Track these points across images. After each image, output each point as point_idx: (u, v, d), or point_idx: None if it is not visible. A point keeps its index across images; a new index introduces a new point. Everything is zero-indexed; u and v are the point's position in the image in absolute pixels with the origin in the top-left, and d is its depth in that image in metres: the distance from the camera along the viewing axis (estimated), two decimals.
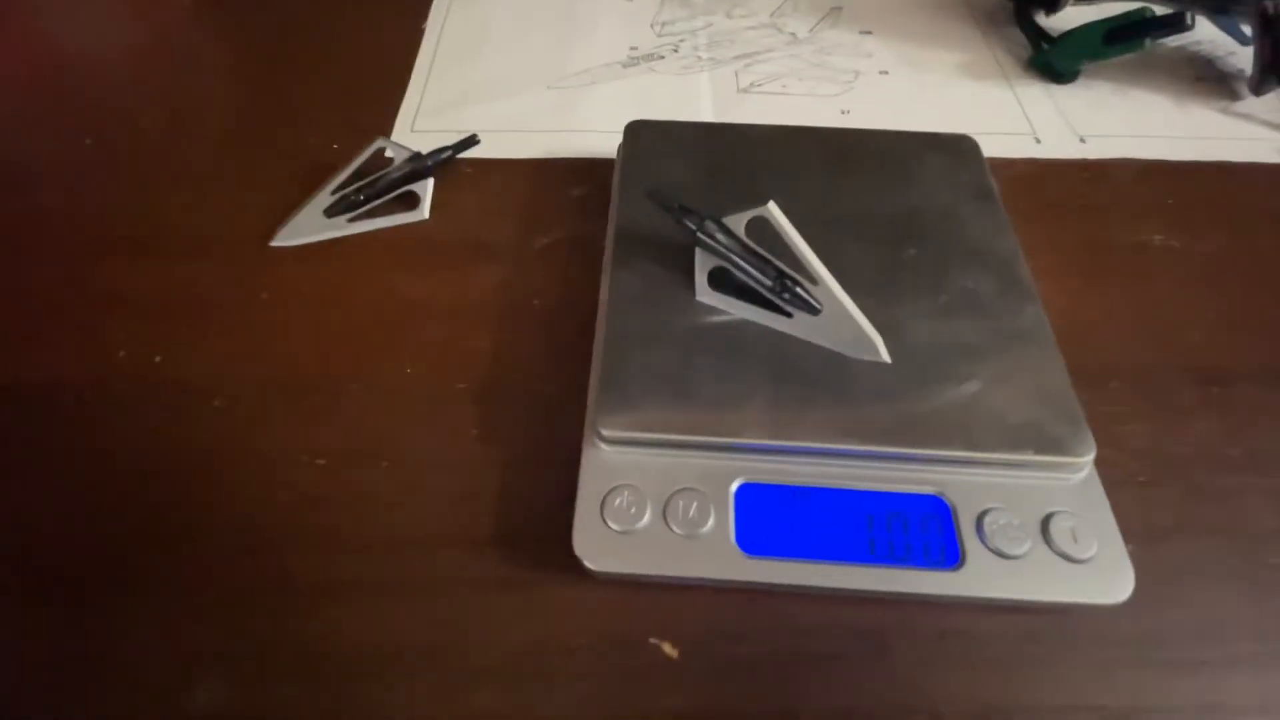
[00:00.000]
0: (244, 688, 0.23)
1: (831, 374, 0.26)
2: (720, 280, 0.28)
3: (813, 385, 0.26)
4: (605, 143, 0.37)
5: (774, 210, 0.26)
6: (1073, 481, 0.25)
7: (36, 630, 0.24)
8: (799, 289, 0.27)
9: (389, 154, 0.37)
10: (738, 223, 0.27)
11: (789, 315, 0.27)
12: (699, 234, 0.27)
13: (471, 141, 0.38)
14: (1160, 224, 0.37)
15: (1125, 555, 0.23)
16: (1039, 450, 0.24)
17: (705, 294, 0.28)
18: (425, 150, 0.37)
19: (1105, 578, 0.23)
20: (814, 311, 0.27)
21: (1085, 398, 0.28)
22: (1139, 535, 0.26)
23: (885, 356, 0.26)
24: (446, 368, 0.30)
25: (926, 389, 0.26)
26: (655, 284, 0.29)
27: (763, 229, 0.27)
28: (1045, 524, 0.24)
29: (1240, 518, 0.27)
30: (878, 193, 0.32)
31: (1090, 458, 0.24)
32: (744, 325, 0.27)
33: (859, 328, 0.26)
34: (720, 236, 0.27)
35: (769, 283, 0.27)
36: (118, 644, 0.24)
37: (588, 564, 0.23)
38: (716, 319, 0.28)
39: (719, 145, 0.34)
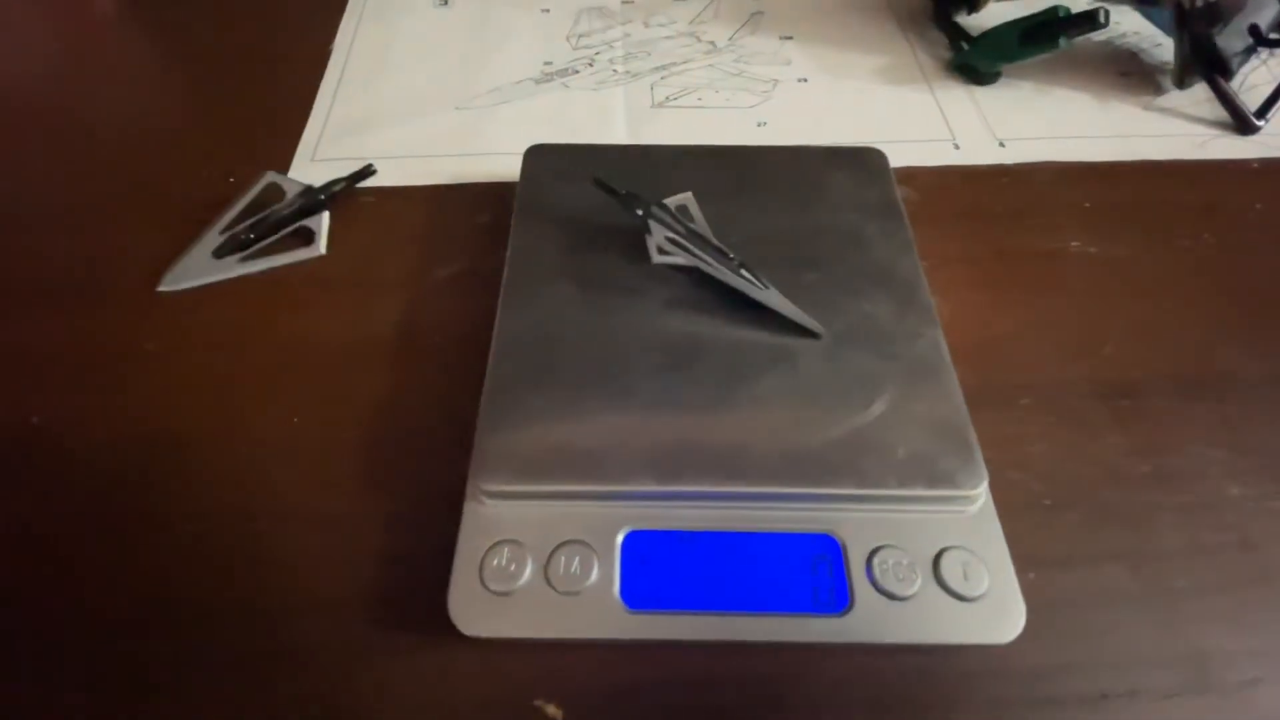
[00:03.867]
0: None
1: (721, 410, 0.26)
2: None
3: (702, 424, 0.25)
4: (512, 165, 0.35)
5: (691, 200, 0.29)
6: (966, 514, 0.24)
7: None
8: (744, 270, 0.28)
9: (283, 187, 0.36)
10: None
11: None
12: (650, 213, 0.29)
13: (367, 173, 0.37)
14: (1077, 229, 0.37)
15: (1017, 591, 0.23)
16: (929, 484, 0.24)
17: (659, 259, 0.29)
18: (319, 183, 0.36)
19: (995, 615, 0.23)
20: (764, 287, 0.28)
21: (991, 419, 0.28)
22: (1041, 562, 0.26)
23: (820, 329, 0.27)
24: (336, 415, 0.30)
25: (818, 424, 0.25)
26: (544, 321, 0.28)
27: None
28: (936, 561, 0.23)
29: (1147, 539, 0.27)
30: (780, 214, 0.31)
31: (981, 489, 0.24)
32: (635, 363, 0.27)
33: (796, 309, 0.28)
34: (666, 218, 0.29)
35: (728, 257, 0.28)
36: None
37: (462, 629, 0.22)
38: (604, 356, 0.27)
39: (621, 167, 0.33)
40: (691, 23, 0.48)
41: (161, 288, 0.33)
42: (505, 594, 0.23)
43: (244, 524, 0.27)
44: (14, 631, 0.25)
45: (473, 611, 0.23)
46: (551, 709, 0.23)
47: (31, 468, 0.28)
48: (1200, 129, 0.41)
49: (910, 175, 0.38)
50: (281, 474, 0.28)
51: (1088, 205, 0.37)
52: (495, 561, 0.23)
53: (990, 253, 0.35)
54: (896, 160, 0.35)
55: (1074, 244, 0.36)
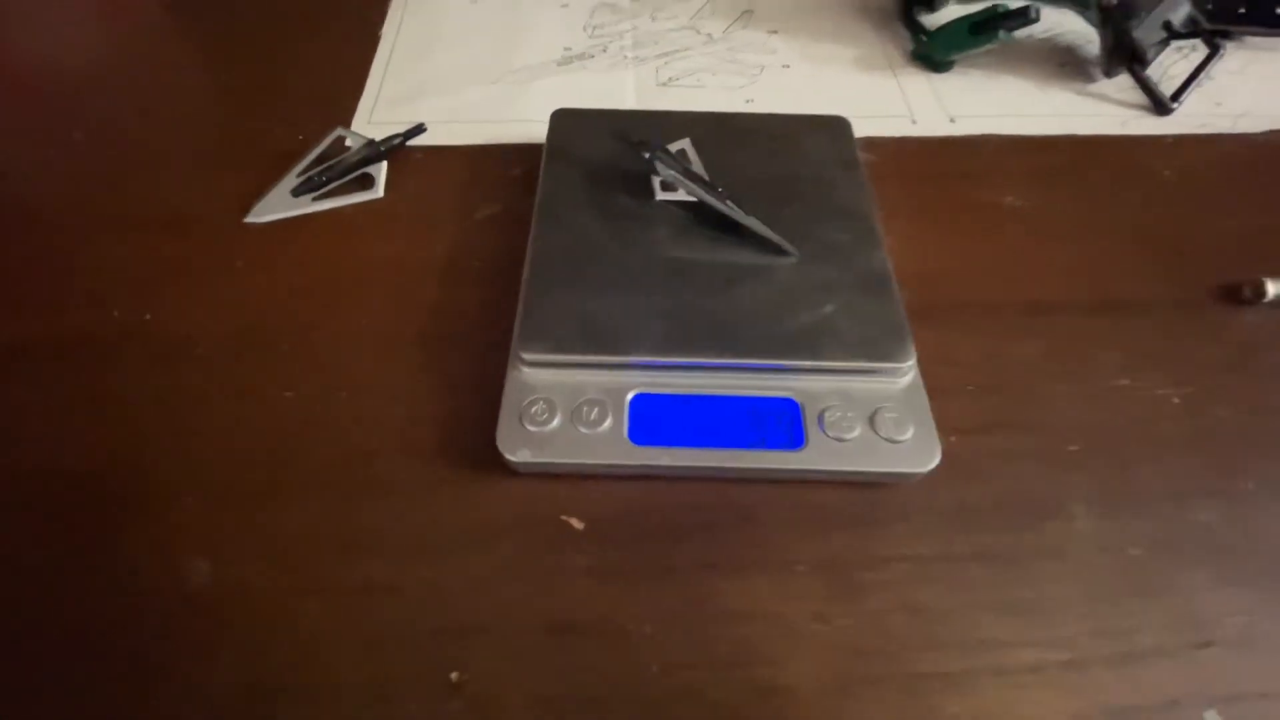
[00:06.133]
0: (226, 567, 0.29)
1: (710, 306, 0.33)
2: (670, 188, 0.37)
3: (695, 312, 0.32)
4: (540, 130, 0.43)
5: (689, 145, 0.36)
6: (900, 384, 0.31)
7: (49, 539, 0.30)
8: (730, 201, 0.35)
9: (348, 142, 0.44)
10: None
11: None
12: (656, 154, 0.35)
13: (419, 130, 0.44)
14: (1013, 188, 0.44)
15: (935, 437, 0.30)
16: (868, 359, 0.31)
17: (662, 195, 0.36)
18: (379, 138, 0.43)
19: (918, 454, 0.30)
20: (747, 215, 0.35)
21: (930, 328, 0.35)
22: (962, 430, 0.32)
23: (792, 249, 0.34)
24: (397, 318, 0.37)
25: (785, 316, 0.32)
26: (570, 240, 0.35)
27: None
28: (873, 416, 0.30)
29: (1050, 416, 0.34)
30: (761, 164, 0.39)
31: (910, 364, 0.31)
32: (643, 272, 0.34)
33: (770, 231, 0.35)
34: (668, 158, 0.36)
35: (718, 191, 0.35)
36: (118, 540, 0.30)
37: (506, 455, 0.29)
38: (618, 266, 0.34)
39: (633, 126, 0.40)
40: (691, 18, 0.55)
41: (248, 219, 0.41)
42: (540, 432, 0.30)
43: (330, 394, 0.34)
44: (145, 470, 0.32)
45: (516, 443, 0.30)
46: (575, 521, 0.30)
47: (150, 356, 0.36)
48: (1125, 110, 0.49)
49: (872, 144, 0.45)
50: (357, 359, 0.35)
51: (1024, 171, 0.45)
52: (533, 410, 0.30)
53: (937, 204, 0.42)
54: (861, 131, 0.42)
55: (1008, 199, 0.43)
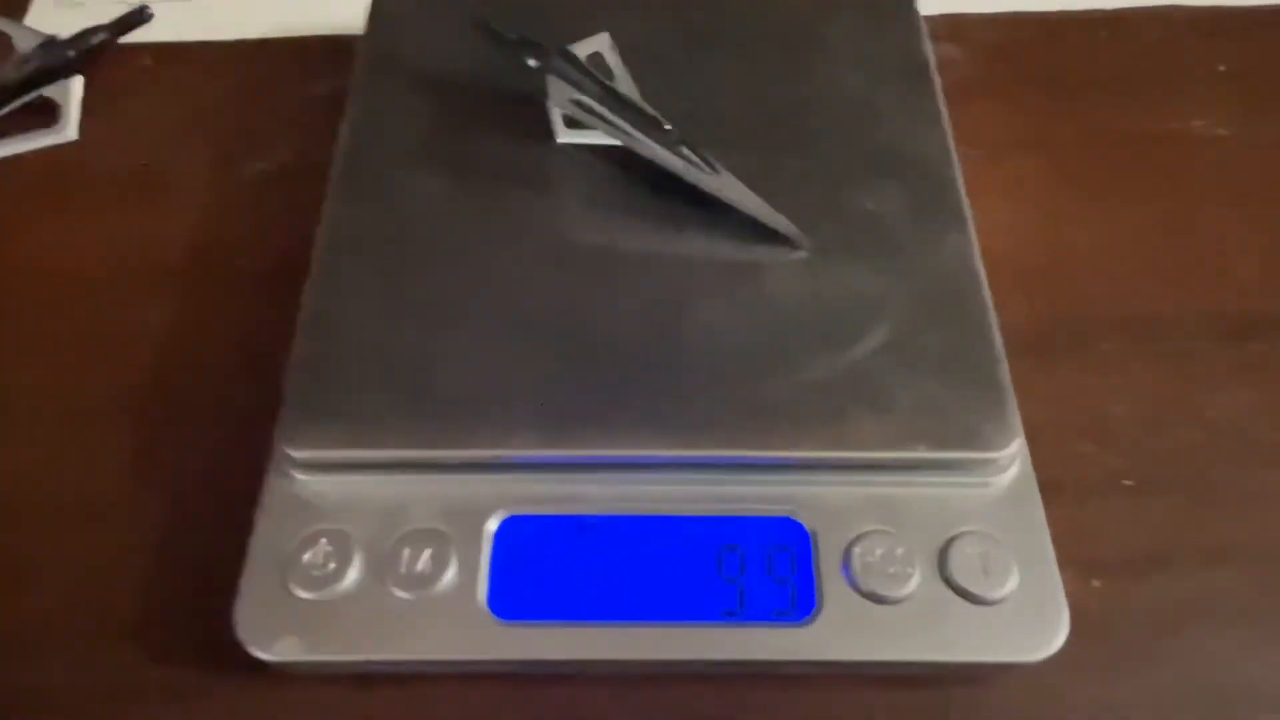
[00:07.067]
0: None
1: (643, 346, 0.29)
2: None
3: (615, 366, 0.29)
4: (359, 11, 0.39)
5: (608, 44, 0.34)
6: (992, 490, 0.28)
7: None
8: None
9: (13, 40, 0.40)
10: None
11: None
12: (549, 64, 0.33)
13: (138, 18, 0.41)
14: (1204, 103, 0.41)
15: (1059, 590, 0.27)
16: (937, 445, 0.28)
17: (566, 136, 0.34)
18: (66, 34, 0.40)
19: (1024, 624, 0.26)
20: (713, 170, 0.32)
21: (1053, 367, 0.33)
22: (1110, 565, 0.30)
23: (797, 234, 0.31)
24: (96, 368, 0.34)
25: (782, 365, 0.29)
26: (395, 220, 0.32)
27: None
28: (944, 551, 0.27)
29: (1260, 531, 0.31)
30: (749, 74, 0.36)
31: (1012, 450, 0.28)
32: (521, 282, 0.31)
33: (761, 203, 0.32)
34: (572, 71, 0.33)
35: (662, 129, 0.32)
36: None
37: (255, 652, 0.26)
38: (477, 271, 0.31)
39: (517, 5, 0.37)
40: None
41: None
42: (320, 602, 0.26)
43: None
44: None
45: (271, 627, 0.26)
46: None
47: None
48: None
49: (956, 25, 0.42)
50: (19, 453, 0.32)
51: (1223, 69, 0.42)
52: (307, 557, 0.27)
53: (1070, 138, 0.40)
54: (939, 5, 0.39)
55: (1197, 123, 0.40)
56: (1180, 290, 0.36)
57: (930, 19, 0.38)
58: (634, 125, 0.32)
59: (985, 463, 0.28)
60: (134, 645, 0.28)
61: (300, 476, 0.28)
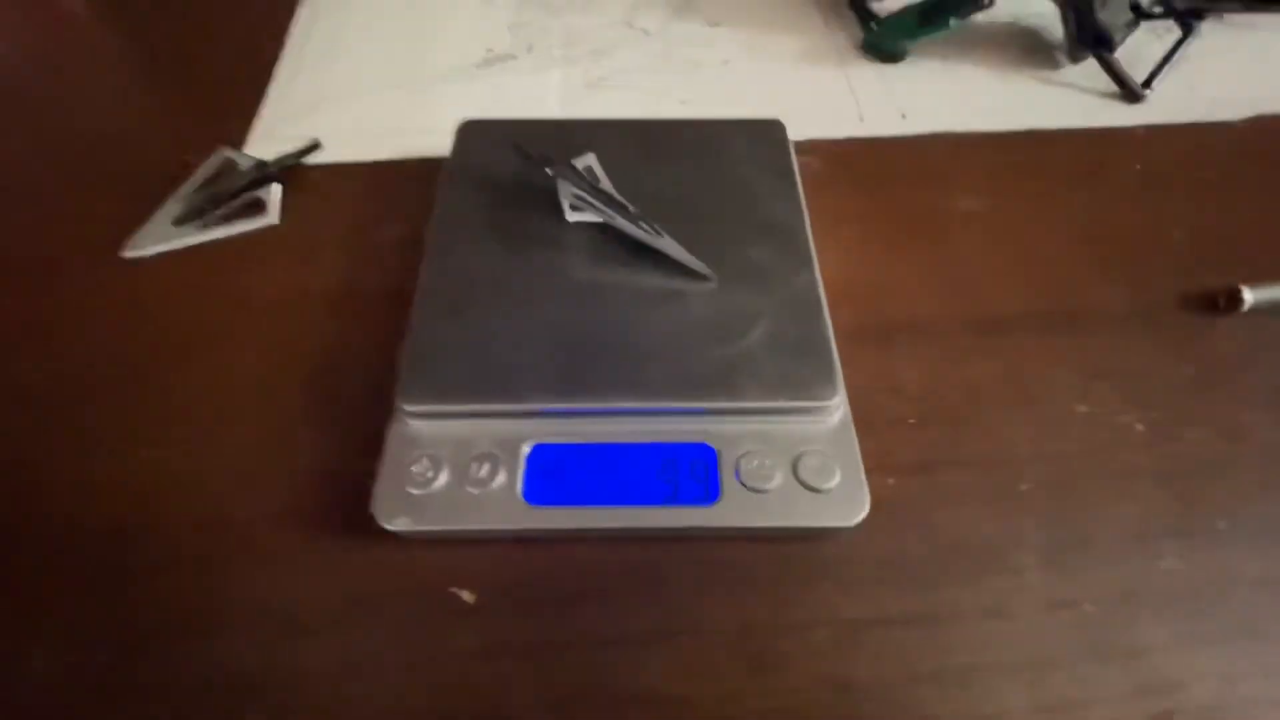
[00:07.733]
0: (79, 652, 0.27)
1: (618, 340, 0.30)
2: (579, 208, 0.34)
3: (600, 352, 0.30)
4: (449, 141, 0.40)
5: (594, 160, 0.34)
6: (826, 424, 0.29)
7: None
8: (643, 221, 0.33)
9: (237, 162, 0.41)
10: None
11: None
12: (559, 170, 0.34)
13: (313, 148, 0.41)
14: (968, 191, 0.41)
15: (864, 484, 0.28)
16: (790, 397, 0.29)
17: (573, 216, 0.34)
18: (271, 158, 0.40)
19: (845, 503, 0.27)
20: (659, 235, 0.33)
21: (868, 351, 0.33)
22: (899, 470, 0.30)
23: (708, 271, 0.32)
24: (283, 360, 0.34)
25: (701, 350, 0.30)
26: (465, 270, 0.33)
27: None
28: (795, 462, 0.28)
29: (999, 450, 0.31)
30: (682, 177, 0.36)
31: (837, 400, 0.29)
32: (543, 303, 0.31)
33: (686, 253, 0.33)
34: (572, 175, 0.34)
35: (628, 210, 0.33)
36: None
37: (382, 523, 0.27)
38: (516, 297, 0.32)
39: (544, 139, 0.38)
40: (626, 11, 0.53)
41: (125, 253, 0.38)
42: (422, 494, 0.27)
43: (194, 451, 0.31)
44: None
45: (393, 509, 0.27)
46: (465, 594, 0.27)
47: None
48: (1092, 100, 0.46)
49: (814, 147, 0.42)
50: (226, 409, 0.32)
51: (979, 171, 0.42)
52: (414, 468, 0.28)
53: (882, 211, 0.40)
54: (803, 133, 0.40)
55: (961, 203, 0.41)
56: (946, 302, 0.36)
57: (796, 141, 0.39)
58: (612, 209, 0.33)
59: (821, 408, 0.29)
60: (312, 525, 0.29)
61: (411, 422, 0.29)
